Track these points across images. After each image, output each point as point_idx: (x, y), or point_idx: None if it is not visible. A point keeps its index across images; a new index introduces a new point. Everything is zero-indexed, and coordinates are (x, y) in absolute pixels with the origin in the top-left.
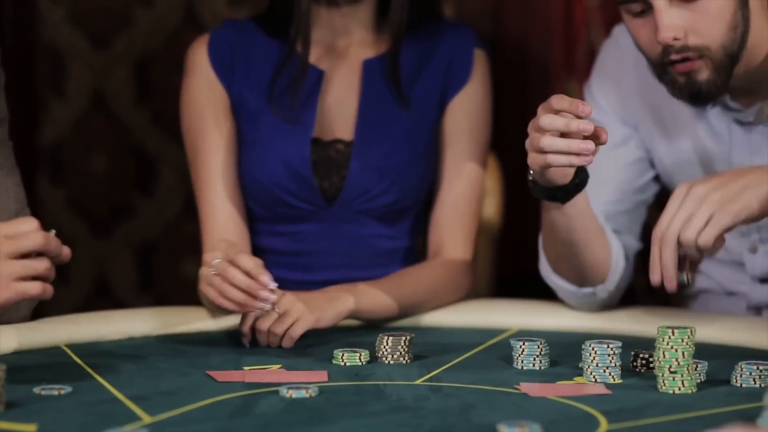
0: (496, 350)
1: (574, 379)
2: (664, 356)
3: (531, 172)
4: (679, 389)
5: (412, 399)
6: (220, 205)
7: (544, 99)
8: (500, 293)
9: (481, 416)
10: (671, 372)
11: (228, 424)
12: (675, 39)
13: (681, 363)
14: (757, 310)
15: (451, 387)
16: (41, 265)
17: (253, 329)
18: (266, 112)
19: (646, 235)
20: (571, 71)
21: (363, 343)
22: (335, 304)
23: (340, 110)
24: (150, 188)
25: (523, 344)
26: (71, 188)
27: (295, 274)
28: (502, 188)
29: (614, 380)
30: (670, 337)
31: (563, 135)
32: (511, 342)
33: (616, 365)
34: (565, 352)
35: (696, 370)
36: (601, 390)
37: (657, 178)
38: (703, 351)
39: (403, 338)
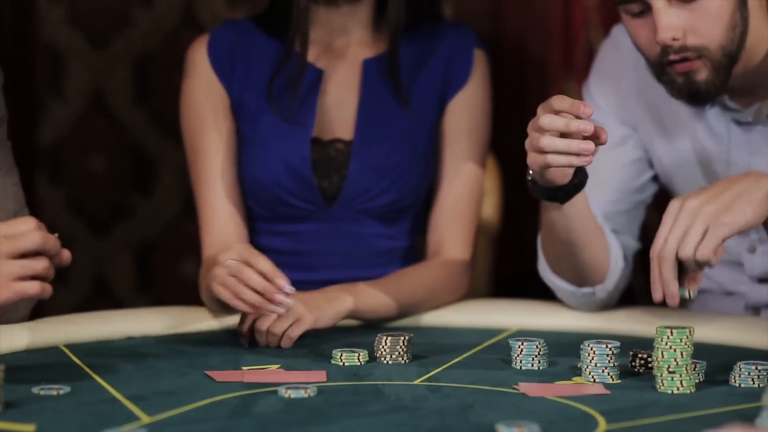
0: (495, 350)
1: (573, 379)
2: (662, 356)
3: (530, 172)
4: (678, 389)
5: (411, 399)
6: (219, 205)
7: (542, 99)
8: (499, 293)
9: (479, 416)
10: (670, 372)
11: (227, 424)
12: (674, 39)
13: (679, 363)
14: (755, 310)
15: (450, 387)
16: (40, 265)
17: (252, 329)
18: (266, 112)
19: (644, 235)
20: (570, 71)
21: (362, 343)
22: (334, 304)
23: (339, 110)
24: (149, 188)
25: (522, 344)
26: (70, 188)
27: (295, 273)
28: (501, 188)
29: (613, 380)
30: (668, 337)
31: (563, 135)
32: (510, 342)
33: (614, 365)
34: (563, 352)
35: (694, 370)
36: (600, 390)
37: (656, 178)
38: (701, 351)
39: (402, 338)
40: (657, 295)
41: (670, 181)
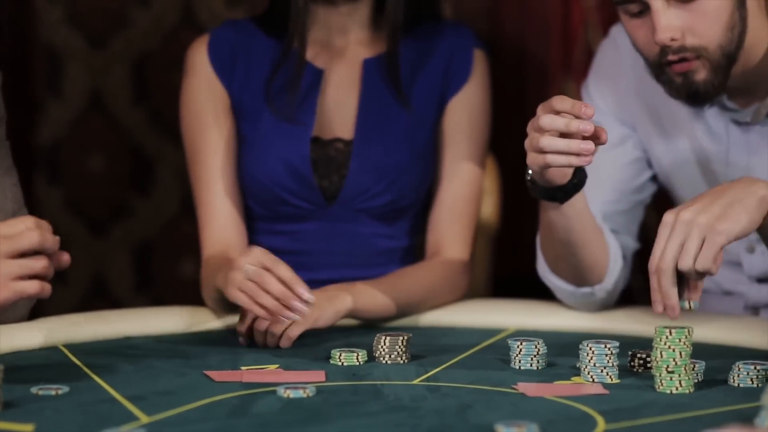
0: (494, 350)
1: (572, 379)
2: (661, 356)
3: (529, 171)
4: (677, 389)
5: (410, 399)
6: (219, 206)
7: (541, 99)
8: (498, 293)
9: (478, 416)
10: (669, 372)
11: (225, 423)
12: (672, 39)
13: (678, 363)
14: (754, 309)
15: (449, 387)
16: (39, 264)
17: (251, 329)
18: (266, 112)
19: (643, 235)
20: (569, 71)
21: (360, 343)
22: (333, 303)
23: (339, 109)
24: (147, 188)
25: (521, 344)
26: (68, 188)
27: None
28: (500, 188)
29: (612, 380)
30: (667, 337)
31: (562, 135)
32: (509, 342)
33: (613, 365)
34: (562, 352)
35: (693, 369)
36: (599, 390)
37: (655, 178)
38: (700, 351)
39: (401, 338)
40: (658, 308)
41: (669, 181)
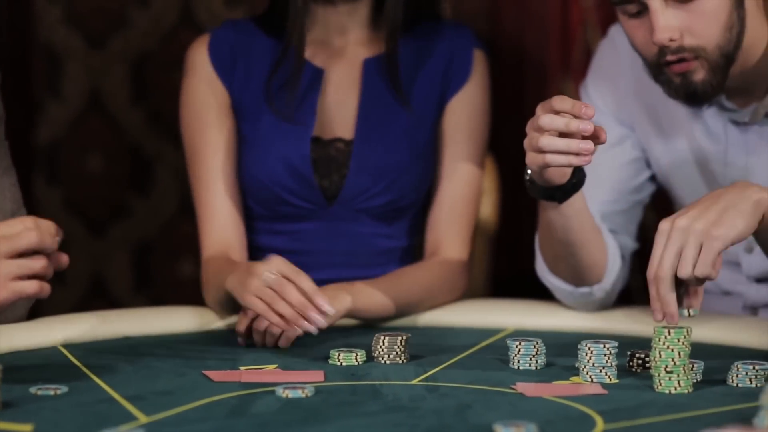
0: (493, 350)
1: (571, 378)
2: (660, 356)
3: (528, 171)
4: (676, 389)
5: (409, 399)
6: (219, 206)
7: (540, 99)
8: (496, 293)
9: (477, 416)
10: (667, 372)
11: (224, 423)
12: (671, 40)
13: (677, 363)
14: (753, 309)
15: (448, 387)
16: (38, 264)
17: (250, 329)
18: (266, 112)
19: (642, 235)
20: (568, 71)
21: (359, 343)
22: (333, 303)
23: (340, 109)
24: (146, 188)
25: (520, 344)
26: (67, 188)
27: None
28: (499, 188)
29: (610, 380)
30: (666, 337)
31: (561, 135)
32: (508, 342)
33: (612, 365)
34: (561, 352)
35: (692, 369)
36: (598, 390)
37: (653, 178)
38: (699, 351)
39: (400, 338)
40: (657, 316)
41: (668, 181)
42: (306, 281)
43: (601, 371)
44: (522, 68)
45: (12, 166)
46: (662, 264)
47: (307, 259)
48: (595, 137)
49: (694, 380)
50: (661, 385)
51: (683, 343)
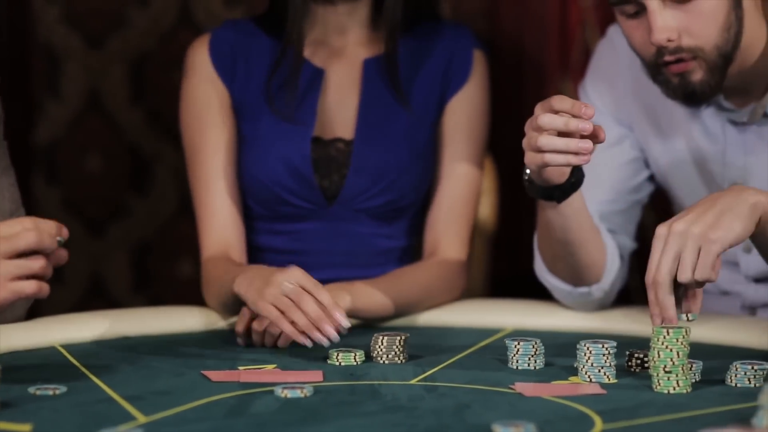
0: (491, 350)
1: (569, 378)
2: (659, 356)
3: (527, 171)
4: (674, 389)
5: (407, 399)
6: (219, 206)
7: (539, 99)
8: (495, 293)
9: (476, 416)
10: (666, 372)
11: (223, 423)
12: (669, 40)
13: (676, 363)
14: (751, 309)
15: (446, 387)
16: (36, 264)
17: (249, 329)
18: (267, 112)
19: (641, 234)
20: (566, 71)
21: (358, 343)
22: None
23: (340, 109)
24: (145, 188)
25: (518, 344)
26: (66, 188)
27: None
28: (498, 188)
29: (609, 380)
30: (665, 337)
31: (560, 134)
32: (506, 342)
33: (611, 365)
34: (560, 351)
35: (691, 369)
36: (596, 390)
37: (652, 178)
38: (697, 351)
39: (398, 338)
40: (656, 321)
41: (666, 181)
42: (325, 295)
43: (599, 371)
44: (521, 68)
45: (11, 166)
46: (660, 268)
47: (307, 259)
48: (594, 136)
49: (693, 380)
50: (659, 385)
51: (682, 343)
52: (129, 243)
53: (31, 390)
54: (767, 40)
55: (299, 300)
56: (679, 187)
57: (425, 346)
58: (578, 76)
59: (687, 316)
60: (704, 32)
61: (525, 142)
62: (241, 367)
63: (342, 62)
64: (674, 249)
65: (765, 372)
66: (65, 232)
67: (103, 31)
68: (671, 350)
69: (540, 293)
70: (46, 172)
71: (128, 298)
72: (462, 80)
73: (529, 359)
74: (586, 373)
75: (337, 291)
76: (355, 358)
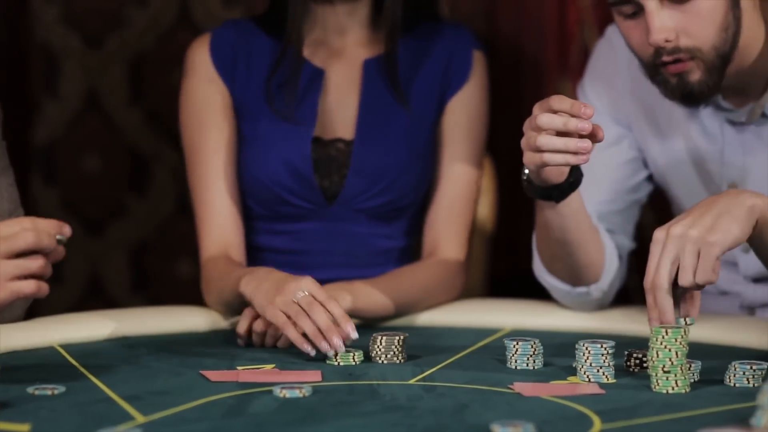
0: (490, 350)
1: (568, 378)
2: (657, 356)
3: (525, 171)
4: (673, 389)
5: (406, 399)
6: (219, 205)
7: (537, 99)
8: (494, 293)
9: (474, 416)
10: (665, 372)
11: (221, 423)
12: (666, 41)
13: (674, 363)
14: (750, 309)
15: (445, 387)
16: (35, 264)
17: (250, 330)
18: (267, 112)
19: (639, 234)
20: (565, 71)
21: (357, 343)
22: None
23: (340, 109)
24: (144, 188)
25: (517, 344)
26: (65, 188)
27: (294, 272)
28: (496, 188)
29: (608, 380)
30: (663, 337)
31: (558, 134)
32: (505, 342)
33: (609, 365)
34: (558, 351)
35: (689, 369)
36: (595, 390)
37: (650, 178)
38: (696, 350)
39: (397, 338)
40: (654, 325)
41: (665, 181)
42: (336, 307)
43: (598, 371)
44: (519, 68)
45: (9, 166)
46: (659, 272)
47: (307, 258)
48: (593, 136)
49: (692, 380)
50: (658, 384)
51: (680, 343)
52: (127, 243)
53: (30, 390)
54: (765, 39)
55: (310, 309)
56: (678, 187)
57: (424, 346)
58: (577, 76)
59: (686, 320)
60: (702, 32)
61: (523, 142)
62: (239, 367)
63: (342, 62)
64: (673, 253)
65: (763, 372)
66: (67, 230)
67: (102, 31)
68: (670, 350)
69: (539, 293)
70: (44, 172)
71: (127, 298)
72: (462, 80)
73: (528, 359)
74: (584, 373)
75: (338, 291)
76: (353, 358)
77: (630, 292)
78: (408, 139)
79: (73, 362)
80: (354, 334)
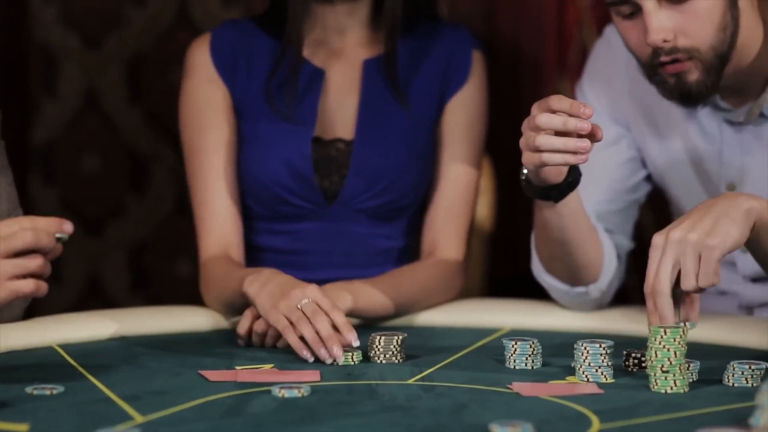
0: (489, 350)
1: (567, 378)
2: (656, 355)
3: (524, 171)
4: (671, 389)
5: (405, 398)
6: (218, 205)
7: (536, 98)
8: (493, 293)
9: (473, 416)
10: (663, 371)
11: (220, 423)
12: (664, 41)
13: (673, 362)
14: (748, 309)
15: (444, 386)
16: (34, 263)
17: (250, 331)
18: (267, 112)
19: (638, 234)
20: (564, 71)
21: None
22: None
23: (340, 109)
24: (142, 188)
25: (516, 344)
26: (63, 188)
27: (294, 272)
28: (495, 188)
29: (606, 380)
30: (662, 337)
31: (557, 133)
32: (504, 341)
33: (608, 365)
34: (557, 351)
35: (688, 369)
36: (594, 389)
37: (649, 178)
38: (695, 350)
39: (396, 338)
40: None
41: (663, 181)
42: (340, 316)
43: (597, 371)
44: (518, 68)
45: (8, 166)
46: (659, 277)
47: (306, 258)
48: (592, 135)
49: (690, 380)
50: (657, 384)
51: (679, 343)
52: (126, 243)
53: (29, 390)
54: (763, 39)
55: (313, 317)
56: (676, 187)
57: (422, 346)
58: (576, 76)
59: (685, 324)
60: (700, 33)
61: (522, 142)
62: (238, 367)
63: (342, 62)
64: (672, 257)
65: (762, 371)
66: (68, 227)
67: (101, 31)
68: (668, 350)
69: (537, 293)
70: (43, 172)
71: (126, 297)
72: (461, 81)
73: (527, 359)
74: (583, 373)
75: (338, 291)
76: (352, 358)
77: (628, 292)
78: (408, 139)
79: (72, 362)
80: (356, 343)
